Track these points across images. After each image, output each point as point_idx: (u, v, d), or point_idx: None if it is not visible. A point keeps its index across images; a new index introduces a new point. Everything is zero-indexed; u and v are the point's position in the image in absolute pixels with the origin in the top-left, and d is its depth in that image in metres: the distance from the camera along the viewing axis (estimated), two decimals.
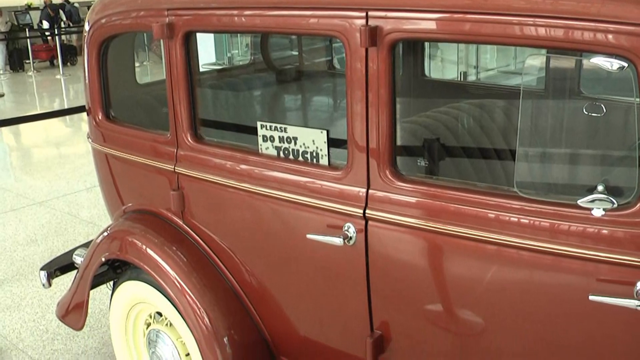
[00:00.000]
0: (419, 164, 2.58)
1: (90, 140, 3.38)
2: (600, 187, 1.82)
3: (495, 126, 3.14)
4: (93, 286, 3.33)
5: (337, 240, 2.30)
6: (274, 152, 2.53)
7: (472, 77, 9.60)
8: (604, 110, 2.76)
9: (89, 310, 3.41)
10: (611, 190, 1.83)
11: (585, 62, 3.04)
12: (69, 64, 18.58)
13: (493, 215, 2.03)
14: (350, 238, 2.29)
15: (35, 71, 18.05)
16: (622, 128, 2.91)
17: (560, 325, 2.02)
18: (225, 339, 2.80)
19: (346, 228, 2.30)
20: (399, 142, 2.46)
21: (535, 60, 2.82)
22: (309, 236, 2.38)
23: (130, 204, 3.23)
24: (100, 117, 3.24)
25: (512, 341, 2.14)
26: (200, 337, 2.80)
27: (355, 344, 2.46)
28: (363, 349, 2.41)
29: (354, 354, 2.51)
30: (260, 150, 2.57)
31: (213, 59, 9.46)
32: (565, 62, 2.74)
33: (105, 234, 3.21)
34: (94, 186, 7.01)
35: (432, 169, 2.65)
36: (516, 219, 2.00)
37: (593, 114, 2.76)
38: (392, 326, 2.36)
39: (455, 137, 2.92)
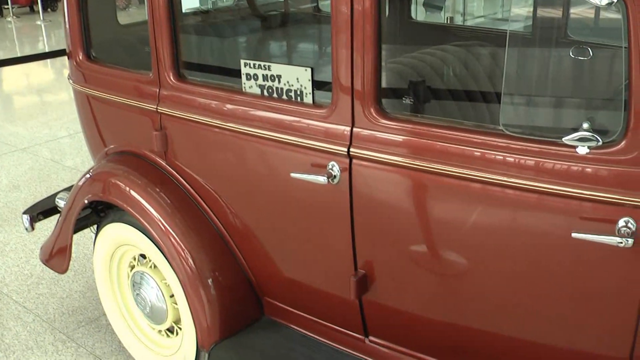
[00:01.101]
0: (404, 101, 2.55)
1: (71, 81, 3.32)
2: (585, 125, 1.81)
3: (482, 68, 3.11)
4: (77, 230, 3.31)
5: (321, 179, 2.28)
6: (257, 91, 2.49)
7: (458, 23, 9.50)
8: (591, 54, 2.74)
9: (74, 255, 3.41)
10: (596, 129, 1.82)
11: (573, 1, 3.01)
12: (49, 9, 18.18)
13: (479, 154, 2.02)
14: (335, 177, 2.28)
15: (14, 17, 17.67)
16: (609, 70, 2.89)
17: (544, 263, 2.03)
18: (209, 281, 2.80)
19: (330, 167, 2.28)
20: (384, 83, 2.43)
21: (522, 10, 2.79)
22: (293, 175, 2.37)
23: (112, 146, 3.20)
24: (81, 58, 3.18)
25: (495, 280, 2.15)
26: (185, 279, 2.80)
27: (339, 284, 2.47)
28: (347, 288, 2.41)
29: (338, 294, 2.52)
30: (243, 89, 2.54)
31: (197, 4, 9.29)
32: (553, 5, 2.71)
33: (88, 176, 3.18)
34: (77, 133, 6.95)
35: (418, 109, 2.63)
36: (502, 157, 1.99)
37: (580, 57, 2.75)
38: (376, 265, 2.36)
39: (441, 78, 2.89)
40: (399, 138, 2.15)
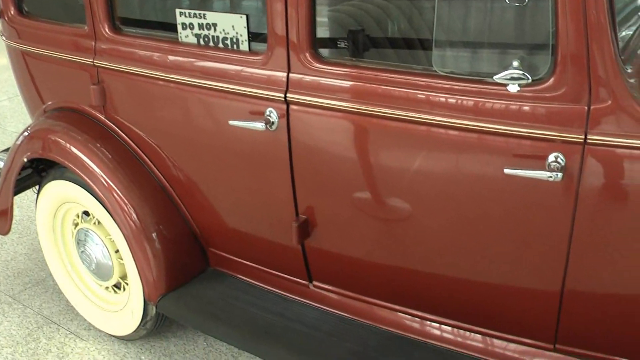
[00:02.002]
0: (339, 45, 2.56)
1: (4, 38, 3.24)
2: (515, 63, 1.85)
3: (422, 17, 3.12)
4: (18, 191, 3.26)
5: (259, 126, 2.29)
6: (194, 40, 2.47)
7: None
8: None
9: (17, 217, 3.37)
10: (526, 67, 1.85)
11: None
12: None
13: (404, 94, 2.06)
14: (272, 123, 2.29)
15: None
16: (542, 14, 2.93)
17: (481, 202, 2.07)
18: (154, 234, 2.80)
19: (268, 113, 2.29)
20: (323, 30, 2.43)
21: None
22: (231, 123, 2.37)
23: (50, 102, 3.14)
24: (12, 13, 3.11)
25: (435, 221, 2.19)
26: (129, 234, 2.79)
27: (281, 231, 2.49)
28: (289, 234, 2.44)
29: (281, 241, 2.54)
30: (180, 39, 2.51)
31: None
32: None
33: (26, 134, 3.12)
34: (17, 96, 6.78)
35: (355, 54, 2.63)
36: (439, 98, 2.02)
37: (515, 3, 2.77)
38: (318, 211, 2.39)
39: (379, 25, 2.89)
40: (335, 82, 2.16)
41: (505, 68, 1.85)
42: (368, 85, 2.12)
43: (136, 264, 2.80)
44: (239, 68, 2.34)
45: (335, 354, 2.38)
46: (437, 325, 2.39)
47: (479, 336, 2.32)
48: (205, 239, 2.86)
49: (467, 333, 2.34)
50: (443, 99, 2.02)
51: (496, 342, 2.30)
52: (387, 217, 2.27)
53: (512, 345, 2.28)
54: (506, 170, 1.94)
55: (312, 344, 2.42)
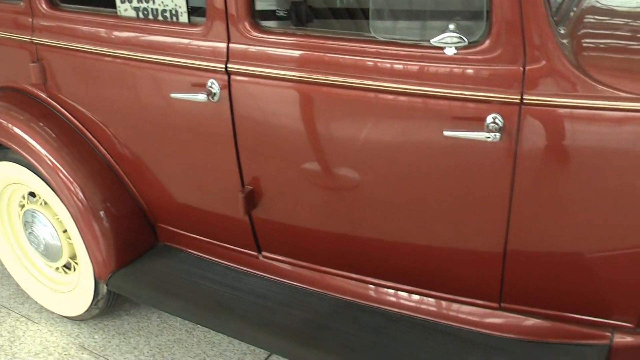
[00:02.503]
0: (278, 14, 2.56)
1: None
2: (451, 26, 1.87)
3: None
4: None
5: (201, 97, 2.28)
6: (133, 14, 2.44)
7: None
8: None
9: None
10: (462, 30, 1.87)
11: None
12: None
13: (351, 61, 2.06)
14: (214, 94, 2.28)
15: None
16: None
17: (425, 166, 2.10)
18: (101, 212, 2.77)
19: (210, 84, 2.28)
20: (267, 4, 2.42)
21: None
22: (172, 95, 2.35)
23: None
24: None
25: (381, 187, 2.21)
26: (76, 213, 2.76)
27: (228, 202, 2.50)
28: (236, 206, 2.44)
29: (228, 214, 2.55)
30: (118, 13, 2.48)
31: None
32: None
33: None
34: None
35: (299, 25, 2.64)
36: (373, 63, 2.03)
37: None
38: (263, 181, 2.40)
39: None
40: (276, 52, 2.16)
41: (442, 32, 1.87)
42: (305, 53, 2.13)
43: (85, 243, 2.78)
44: (179, 40, 2.32)
45: (286, 322, 2.40)
46: (386, 290, 2.42)
47: (426, 299, 2.36)
48: (154, 215, 2.84)
49: (415, 296, 2.38)
50: (386, 65, 2.02)
51: (443, 303, 2.35)
52: (333, 185, 2.28)
53: (459, 306, 2.32)
54: (445, 133, 1.96)
55: (263, 314, 2.44)
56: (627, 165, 1.88)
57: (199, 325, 2.99)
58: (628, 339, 2.16)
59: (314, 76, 2.11)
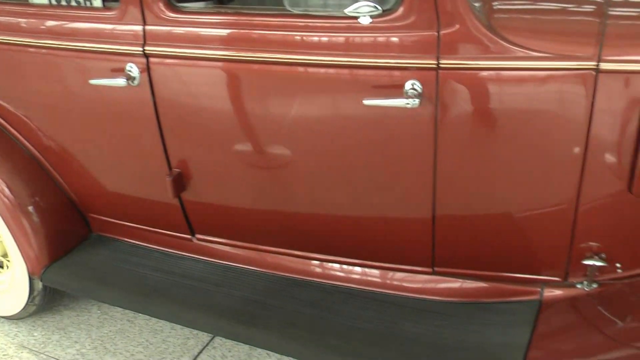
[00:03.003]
0: None
1: None
2: None
3: None
4: None
5: (121, 82, 2.24)
6: (45, 1, 2.38)
7: None
8: None
9: None
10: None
11: None
12: None
13: (270, 37, 2.05)
14: (134, 78, 2.25)
15: None
16: None
17: (350, 137, 2.11)
18: (30, 208, 2.72)
19: (128, 68, 2.24)
20: None
21: None
22: (92, 82, 2.31)
23: None
24: None
25: (309, 161, 2.22)
26: (4, 210, 2.70)
27: (157, 187, 2.47)
28: (165, 190, 2.42)
29: (158, 198, 2.52)
30: (29, 0, 2.41)
31: None
32: None
33: None
34: None
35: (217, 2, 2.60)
36: (295, 37, 2.03)
37: None
38: (191, 163, 2.38)
39: None
40: (192, 31, 2.14)
41: (356, 1, 1.88)
42: (222, 31, 2.11)
43: (15, 240, 2.72)
44: (94, 25, 2.28)
45: (225, 303, 2.40)
46: (322, 263, 2.44)
47: (361, 269, 2.39)
48: (84, 206, 2.80)
49: (351, 267, 2.41)
50: (300, 38, 2.02)
51: (379, 272, 2.38)
52: (263, 162, 2.28)
53: (394, 274, 2.36)
54: (365, 102, 1.97)
55: (201, 297, 2.43)
56: (544, 123, 1.93)
57: (140, 314, 2.97)
58: (557, 292, 2.22)
59: (231, 54, 2.10)
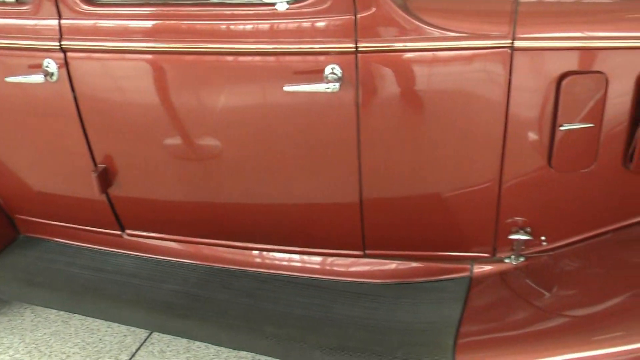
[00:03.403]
0: None
1: None
2: None
3: None
4: None
5: (38, 78, 2.20)
6: None
7: None
8: None
9: None
10: None
11: None
12: None
13: (188, 27, 2.03)
14: (52, 74, 2.20)
15: None
16: None
17: (275, 124, 2.11)
18: None
19: (46, 64, 2.20)
20: None
21: None
22: (7, 79, 2.25)
23: None
24: None
25: (236, 150, 2.21)
26: None
27: (83, 184, 2.43)
28: (91, 186, 2.38)
29: (85, 195, 2.48)
30: None
31: None
32: None
33: None
34: None
35: None
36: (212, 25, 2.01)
37: None
38: (116, 158, 2.34)
39: None
40: (108, 24, 2.10)
41: None
42: (138, 22, 2.08)
43: None
44: (9, 21, 2.22)
45: (158, 297, 2.37)
46: (255, 252, 2.44)
47: (294, 256, 2.39)
48: (10, 207, 2.73)
49: (285, 255, 2.41)
50: (222, 27, 2.01)
51: (312, 258, 2.39)
52: (189, 154, 2.26)
53: (327, 259, 2.37)
54: (285, 88, 1.97)
55: (134, 292, 2.41)
56: (464, 103, 1.96)
57: (75, 315, 2.92)
58: (486, 267, 2.27)
59: (151, 45, 2.08)
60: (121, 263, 2.55)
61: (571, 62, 1.89)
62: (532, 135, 2.01)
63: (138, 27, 2.08)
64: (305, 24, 1.93)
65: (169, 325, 2.30)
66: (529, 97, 1.95)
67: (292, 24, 1.95)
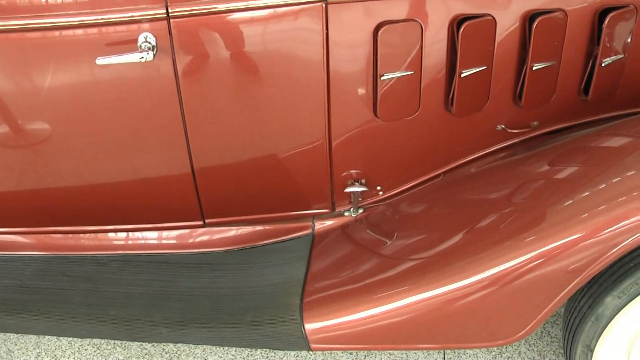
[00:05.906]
0: None
1: None
2: None
3: None
4: None
5: None
6: None
7: None
8: None
9: None
10: None
11: None
12: None
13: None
14: None
15: None
16: None
17: (98, 101, 2.01)
18: None
19: None
20: None
21: None
22: None
23: None
24: None
25: (62, 133, 2.09)
26: None
27: None
28: None
29: None
30: None
31: None
32: None
33: None
34: None
35: None
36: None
37: None
38: None
39: None
40: None
41: None
42: None
43: None
44: None
45: None
46: (92, 235, 2.35)
47: (133, 234, 2.33)
48: None
49: (123, 234, 2.34)
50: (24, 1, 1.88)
51: (151, 234, 2.33)
52: (14, 141, 2.12)
53: (167, 233, 2.32)
54: (98, 61, 1.87)
55: None
56: (285, 62, 1.95)
57: None
58: (327, 223, 2.29)
59: None
60: None
61: (385, 12, 1.91)
62: (356, 88, 2.03)
63: None
64: None
65: (6, 323, 2.17)
66: (347, 50, 1.96)
67: None
